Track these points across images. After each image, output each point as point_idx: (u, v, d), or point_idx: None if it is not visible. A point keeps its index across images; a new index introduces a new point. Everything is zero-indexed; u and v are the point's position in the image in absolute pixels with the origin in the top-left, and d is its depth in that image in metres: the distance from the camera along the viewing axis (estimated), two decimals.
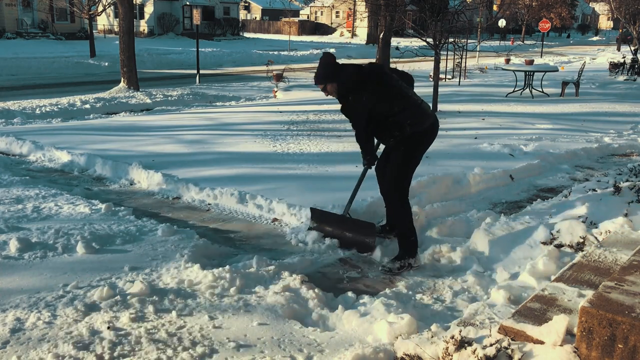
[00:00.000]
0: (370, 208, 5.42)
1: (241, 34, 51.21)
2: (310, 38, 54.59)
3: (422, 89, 15.98)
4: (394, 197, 4.58)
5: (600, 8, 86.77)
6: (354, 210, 5.07)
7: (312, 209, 5.02)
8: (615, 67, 21.96)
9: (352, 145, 8.10)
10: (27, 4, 36.99)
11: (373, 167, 4.79)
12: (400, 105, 4.44)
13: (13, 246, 4.35)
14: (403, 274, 4.32)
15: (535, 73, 15.55)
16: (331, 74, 4.49)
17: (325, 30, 64.25)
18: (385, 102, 4.44)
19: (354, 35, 57.16)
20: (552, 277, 3.72)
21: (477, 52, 26.23)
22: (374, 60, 25.00)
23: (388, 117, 4.46)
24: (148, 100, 13.74)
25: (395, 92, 4.49)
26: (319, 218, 4.97)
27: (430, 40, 12.06)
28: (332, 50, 34.53)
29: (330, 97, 4.65)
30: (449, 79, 19.53)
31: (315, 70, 4.62)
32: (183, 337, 3.23)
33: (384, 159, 4.78)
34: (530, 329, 2.87)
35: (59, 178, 6.84)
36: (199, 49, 18.85)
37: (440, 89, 12.64)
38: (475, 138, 8.95)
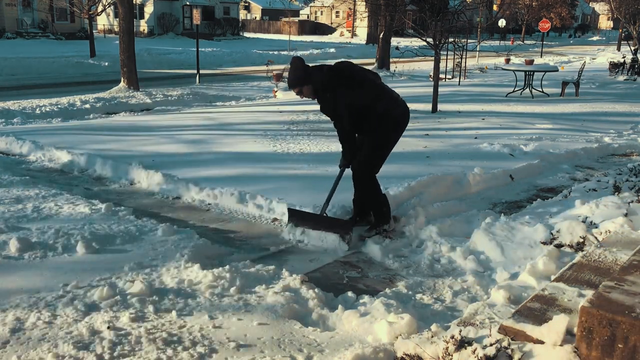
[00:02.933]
0: None
1: (241, 33, 51.22)
2: (310, 38, 54.59)
3: (422, 89, 16.08)
4: (365, 176, 4.89)
5: (600, 8, 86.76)
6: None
7: (289, 209, 5.08)
8: (615, 67, 21.96)
9: None
10: (27, 4, 37.00)
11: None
12: (376, 95, 4.76)
13: (13, 246, 4.35)
14: (401, 274, 4.33)
15: (535, 73, 15.56)
16: (305, 76, 4.69)
17: (325, 30, 64.26)
18: (362, 95, 4.70)
19: (354, 35, 57.16)
20: (552, 277, 3.72)
21: (477, 52, 26.24)
22: (373, 60, 25.00)
23: (370, 108, 4.73)
24: (148, 100, 13.74)
25: (368, 84, 4.79)
26: (297, 217, 5.02)
27: (430, 40, 12.07)
28: (331, 50, 34.61)
29: (306, 98, 4.87)
30: (449, 78, 19.53)
31: (287, 76, 4.85)
32: (183, 337, 3.23)
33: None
34: (530, 329, 2.87)
35: (59, 178, 6.84)
36: (199, 49, 18.84)
37: (440, 89, 12.64)
38: (475, 138, 8.95)
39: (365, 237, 4.90)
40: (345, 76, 4.75)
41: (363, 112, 4.74)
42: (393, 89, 5.02)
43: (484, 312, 3.39)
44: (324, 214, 4.95)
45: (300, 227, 4.94)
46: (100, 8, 26.50)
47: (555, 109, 12.68)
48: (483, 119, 11.11)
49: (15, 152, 8.06)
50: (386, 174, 6.51)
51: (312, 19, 67.85)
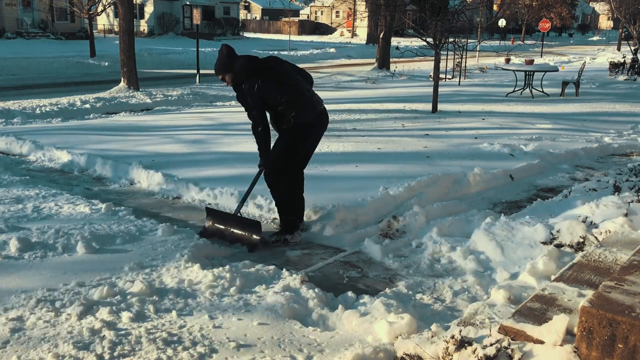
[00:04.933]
0: (372, 206, 5.43)
1: (241, 33, 51.22)
2: (310, 38, 54.60)
3: (422, 89, 16.04)
4: (271, 180, 4.90)
5: (600, 8, 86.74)
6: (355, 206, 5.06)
7: (207, 208, 5.19)
8: (615, 67, 21.95)
9: (352, 145, 8.11)
10: (27, 3, 36.98)
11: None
12: (288, 95, 4.71)
13: (13, 246, 4.35)
14: (401, 274, 4.33)
15: (535, 73, 15.56)
16: (227, 64, 4.75)
17: (325, 30, 64.27)
18: (273, 91, 4.69)
19: (354, 35, 57.17)
20: (552, 277, 3.72)
21: (477, 52, 26.25)
22: (373, 60, 24.99)
23: (277, 107, 4.75)
24: (148, 100, 13.74)
25: (284, 82, 4.76)
26: (213, 216, 5.07)
27: (430, 40, 12.07)
28: (331, 50, 34.60)
29: (229, 86, 4.89)
30: (449, 78, 19.53)
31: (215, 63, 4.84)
32: (183, 336, 3.23)
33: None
34: (530, 329, 2.87)
35: (59, 178, 6.84)
36: (199, 49, 18.84)
37: (440, 89, 12.64)
38: (475, 138, 8.95)
39: (270, 242, 4.87)
40: (264, 71, 4.73)
41: (273, 111, 4.80)
42: (315, 93, 4.94)
43: (484, 312, 3.39)
44: (238, 214, 4.97)
45: (213, 232, 4.95)
46: (100, 8, 26.51)
47: (555, 109, 12.68)
48: (483, 119, 11.11)
49: (15, 152, 8.06)
50: (386, 174, 6.53)
51: (312, 18, 67.84)
